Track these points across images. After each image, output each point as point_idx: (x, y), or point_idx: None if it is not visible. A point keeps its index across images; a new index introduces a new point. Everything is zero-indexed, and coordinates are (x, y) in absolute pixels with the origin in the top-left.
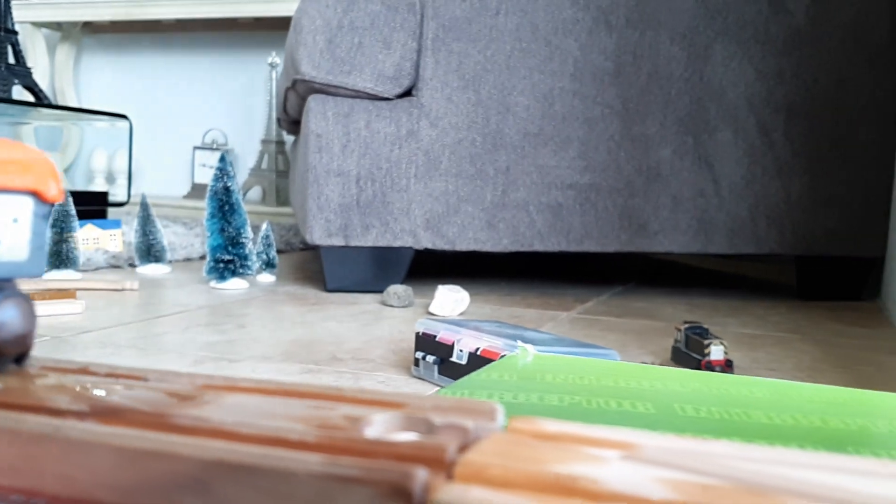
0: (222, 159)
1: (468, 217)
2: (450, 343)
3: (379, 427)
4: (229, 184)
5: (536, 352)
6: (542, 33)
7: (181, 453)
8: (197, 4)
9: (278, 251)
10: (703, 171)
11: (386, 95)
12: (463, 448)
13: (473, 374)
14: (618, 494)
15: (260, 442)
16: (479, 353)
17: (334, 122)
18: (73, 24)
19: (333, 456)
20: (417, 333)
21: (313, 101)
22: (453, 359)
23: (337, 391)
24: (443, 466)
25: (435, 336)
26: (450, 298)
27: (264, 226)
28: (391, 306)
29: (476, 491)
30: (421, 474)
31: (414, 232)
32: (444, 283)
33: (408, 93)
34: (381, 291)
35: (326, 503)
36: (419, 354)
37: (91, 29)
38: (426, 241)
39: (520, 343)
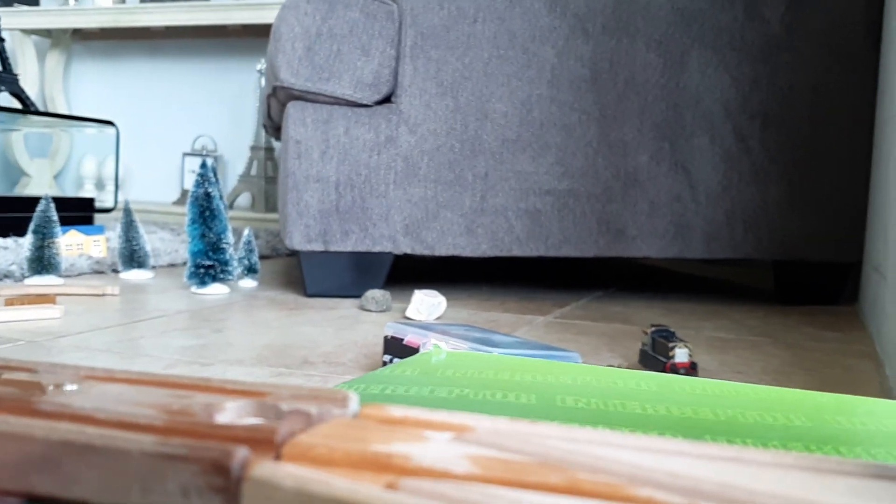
0: (203, 165)
1: (447, 223)
2: (416, 346)
3: (230, 413)
4: (210, 189)
5: (449, 349)
6: (520, 41)
7: (34, 435)
8: (186, 12)
9: (264, 257)
10: (679, 176)
11: (365, 102)
12: (301, 431)
13: (383, 370)
14: (424, 469)
15: (111, 425)
16: None
17: (313, 129)
18: (63, 31)
19: (165, 437)
20: (386, 337)
21: (292, 108)
22: None
23: (205, 382)
24: (272, 447)
25: (402, 339)
26: (426, 303)
27: (246, 231)
28: (369, 311)
29: (288, 467)
30: (240, 453)
31: (393, 237)
32: (422, 288)
33: (387, 99)
34: (360, 296)
35: (157, 479)
36: (387, 357)
37: (81, 36)
38: (405, 247)
39: (433, 341)
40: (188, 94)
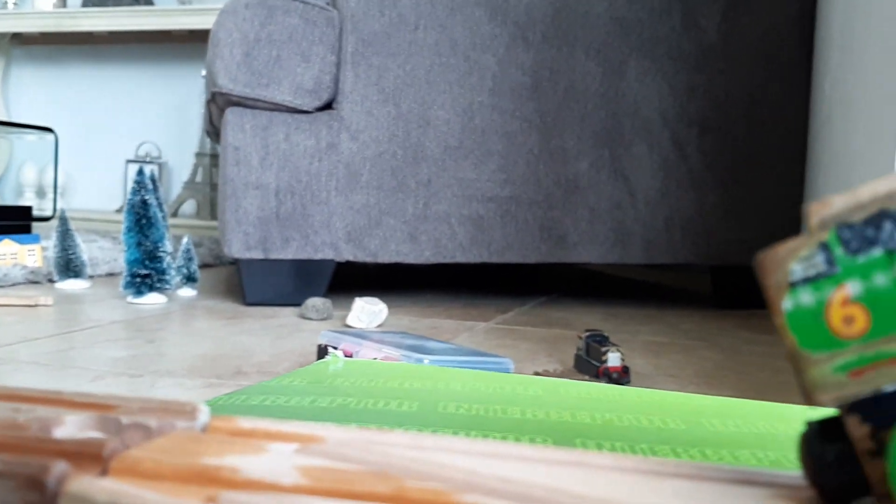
0: (140, 172)
1: (390, 229)
2: (349, 354)
3: (70, 427)
4: (147, 197)
5: (345, 359)
6: (461, 48)
7: None
8: (129, 17)
9: (208, 265)
10: (619, 183)
11: (305, 108)
12: (135, 445)
13: (274, 380)
14: (252, 481)
15: None
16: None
17: (252, 135)
18: (2, 35)
19: None
20: (319, 345)
21: (231, 114)
22: None
23: (56, 395)
24: (99, 461)
25: (336, 348)
26: (367, 311)
27: (185, 239)
28: (309, 319)
29: (105, 482)
30: (58, 468)
31: (335, 245)
32: (365, 296)
33: (328, 106)
34: (301, 305)
35: None
36: None
37: (20, 40)
38: (347, 254)
39: (331, 350)
40: (132, 101)
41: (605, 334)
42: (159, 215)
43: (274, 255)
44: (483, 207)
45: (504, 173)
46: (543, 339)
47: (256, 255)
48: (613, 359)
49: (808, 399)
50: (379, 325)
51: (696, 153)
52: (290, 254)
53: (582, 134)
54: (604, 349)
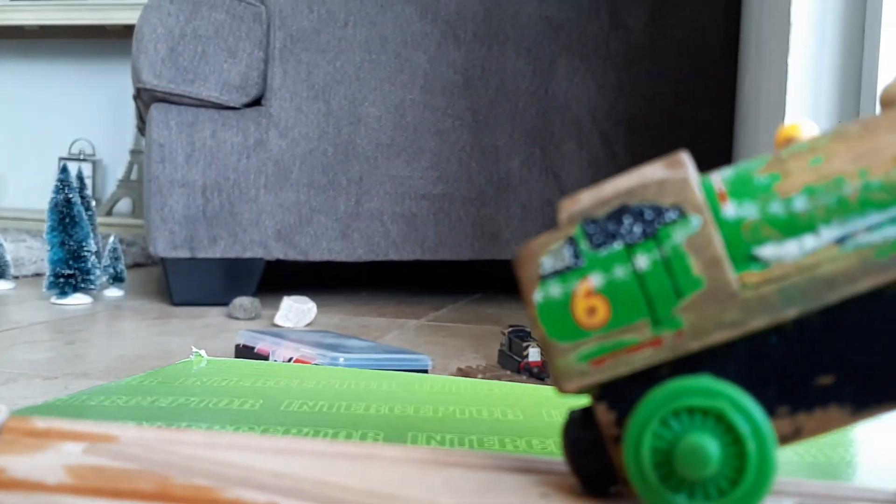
0: (63, 170)
1: (321, 227)
2: (266, 354)
3: None
4: (71, 195)
5: (209, 358)
6: (392, 46)
7: None
8: (62, 11)
9: (140, 265)
10: (550, 180)
11: (232, 104)
12: None
13: (125, 380)
14: (16, 481)
15: None
16: (292, 362)
17: (178, 132)
18: None
19: None
20: (237, 345)
21: (155, 110)
22: None
23: None
24: None
25: (254, 347)
26: (295, 309)
27: (111, 238)
28: (237, 319)
29: None
30: None
31: (265, 243)
32: (297, 295)
33: (256, 102)
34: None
35: None
36: None
37: None
38: (278, 252)
39: (194, 349)
40: (65, 97)
41: (528, 330)
42: (84, 214)
43: (201, 254)
44: (416, 205)
45: (436, 171)
46: (473, 336)
47: (183, 254)
48: (534, 354)
49: (557, 387)
50: (308, 324)
51: (625, 151)
52: (217, 252)
53: (513, 132)
54: (525, 344)
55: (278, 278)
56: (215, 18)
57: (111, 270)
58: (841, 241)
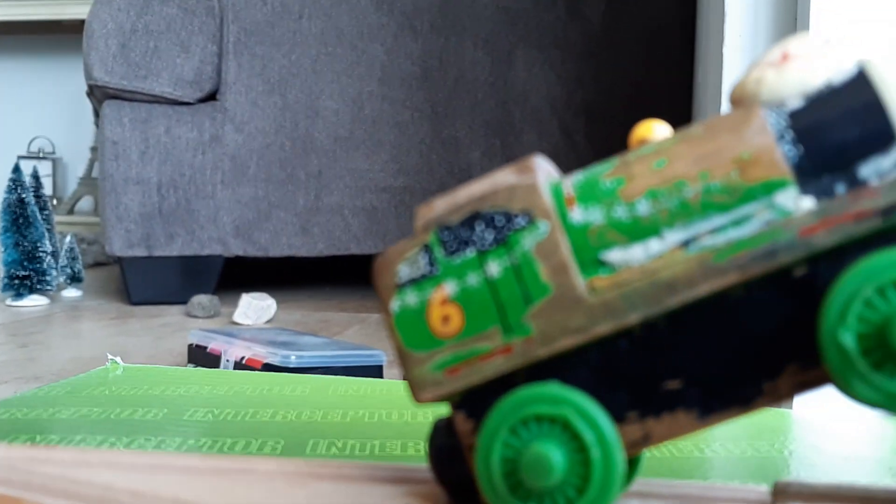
0: (16, 170)
1: (281, 223)
2: (218, 353)
3: None
4: (24, 195)
5: (125, 365)
6: (348, 38)
7: None
8: (15, 6)
9: (101, 264)
10: None
11: (186, 100)
12: None
13: (34, 390)
14: None
15: None
16: (244, 361)
17: (131, 129)
18: None
19: None
20: (190, 345)
21: (108, 108)
22: (220, 369)
23: None
24: None
25: (206, 347)
26: (254, 307)
27: (68, 238)
28: (196, 317)
29: None
30: None
31: (223, 240)
32: (256, 291)
33: (211, 97)
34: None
35: None
36: (190, 366)
37: None
38: (237, 249)
39: (109, 356)
40: (22, 94)
41: None
42: (38, 214)
43: (158, 253)
44: (376, 198)
45: (397, 163)
46: None
47: (140, 252)
48: None
49: (413, 397)
50: (268, 321)
51: (584, 141)
52: (175, 250)
53: (473, 123)
54: None
55: (238, 275)
56: (167, 13)
57: (68, 270)
58: (686, 244)
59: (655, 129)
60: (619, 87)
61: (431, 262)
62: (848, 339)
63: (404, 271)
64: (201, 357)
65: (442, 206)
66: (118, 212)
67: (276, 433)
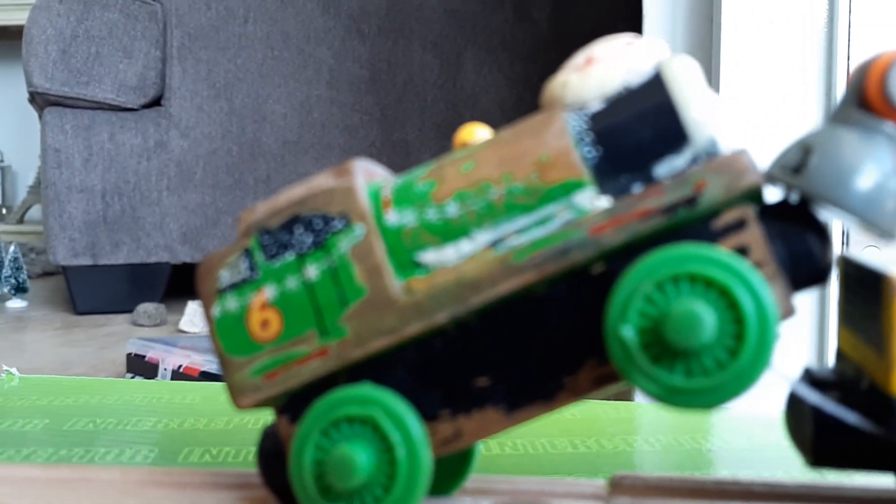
0: None
1: (229, 229)
2: (157, 362)
3: None
4: None
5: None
6: (294, 41)
7: None
8: None
9: (50, 273)
10: None
11: (130, 106)
12: None
13: None
14: None
15: None
16: (181, 370)
17: (74, 136)
18: None
19: None
20: (128, 354)
21: (49, 115)
22: (158, 378)
23: None
24: None
25: (144, 356)
26: (201, 314)
27: (12, 248)
28: (142, 326)
29: None
30: None
31: (170, 247)
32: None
33: (156, 103)
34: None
35: None
36: (129, 376)
37: None
38: (184, 256)
39: (5, 367)
40: None
41: None
42: None
43: (103, 261)
44: None
45: None
46: None
47: (84, 261)
48: None
49: (233, 403)
50: None
51: None
52: (121, 258)
53: (423, 126)
54: None
55: (186, 283)
56: (108, 18)
57: (13, 281)
58: (494, 244)
59: (476, 133)
60: None
61: (252, 267)
62: (628, 333)
63: (225, 276)
64: (140, 366)
65: (263, 210)
66: (62, 220)
67: (154, 441)
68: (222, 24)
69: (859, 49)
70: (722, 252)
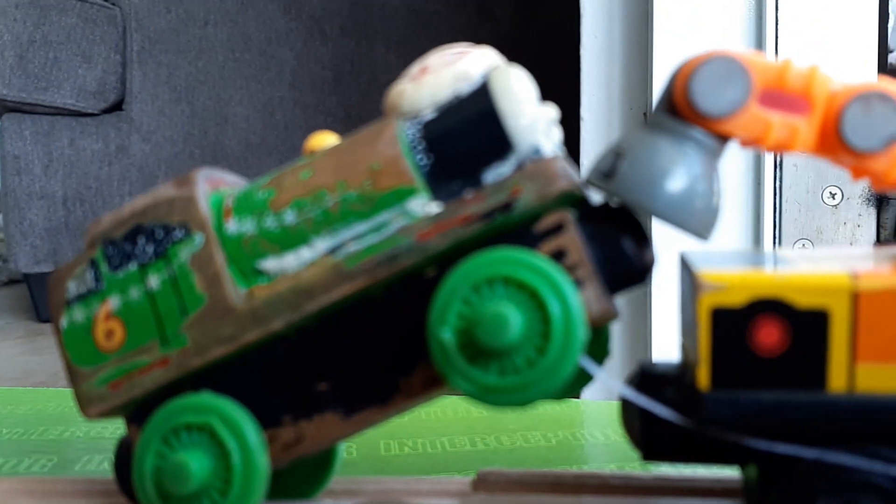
0: None
1: None
2: None
3: None
4: None
5: None
6: (256, 43)
7: None
8: None
9: (15, 281)
10: None
11: (90, 111)
12: None
13: None
14: None
15: None
16: None
17: (33, 142)
18: None
19: None
20: None
21: (7, 121)
22: None
23: None
24: None
25: None
26: None
27: None
28: None
29: None
30: None
31: None
32: None
33: (116, 107)
34: None
35: None
36: None
37: None
38: None
39: None
40: None
41: None
42: None
43: None
44: None
45: None
46: None
47: (46, 268)
48: None
49: (82, 412)
50: None
51: None
52: None
53: None
54: None
55: None
56: (66, 22)
57: None
58: (333, 251)
59: (325, 141)
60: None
61: (97, 278)
62: (446, 335)
63: (72, 288)
64: None
65: (108, 220)
66: (23, 227)
67: (54, 451)
68: (182, 27)
69: (786, 48)
70: (533, 256)
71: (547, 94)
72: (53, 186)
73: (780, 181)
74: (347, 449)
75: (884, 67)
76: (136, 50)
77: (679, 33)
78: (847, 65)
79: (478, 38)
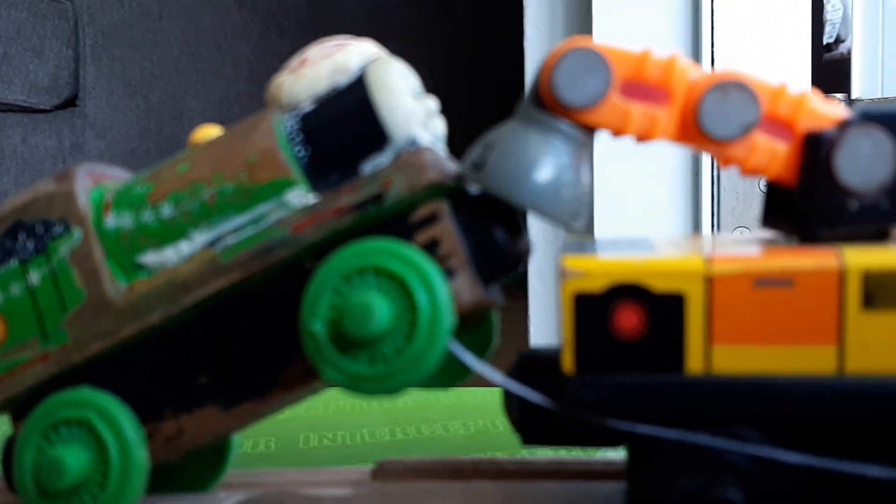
0: None
1: None
2: None
3: None
4: None
5: None
6: (211, 37)
7: None
8: None
9: None
10: None
11: (42, 107)
12: None
13: None
14: None
15: None
16: None
17: None
18: None
19: None
20: None
21: None
22: None
23: None
24: None
25: None
26: None
27: None
28: None
29: None
30: None
31: None
32: None
33: (70, 103)
34: None
35: None
36: None
37: None
38: None
39: None
40: None
41: None
42: None
43: None
44: None
45: None
46: None
47: None
48: None
49: None
50: None
51: (460, 133)
52: None
53: None
54: None
55: None
56: (15, 17)
57: None
58: (213, 244)
59: (210, 134)
60: (489, 79)
61: None
62: (317, 326)
63: None
64: None
65: None
66: None
67: None
68: (136, 21)
69: (722, 38)
70: (403, 245)
71: (512, 86)
72: (6, 184)
73: (718, 170)
74: (266, 442)
75: (818, 63)
76: (90, 45)
77: (618, 25)
78: (782, 60)
79: (437, 33)
